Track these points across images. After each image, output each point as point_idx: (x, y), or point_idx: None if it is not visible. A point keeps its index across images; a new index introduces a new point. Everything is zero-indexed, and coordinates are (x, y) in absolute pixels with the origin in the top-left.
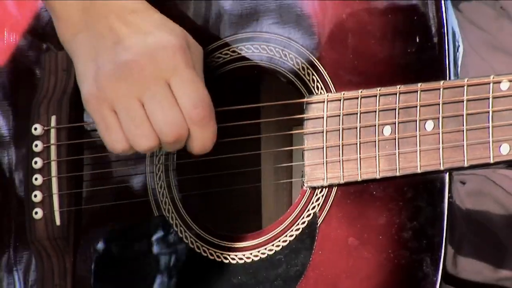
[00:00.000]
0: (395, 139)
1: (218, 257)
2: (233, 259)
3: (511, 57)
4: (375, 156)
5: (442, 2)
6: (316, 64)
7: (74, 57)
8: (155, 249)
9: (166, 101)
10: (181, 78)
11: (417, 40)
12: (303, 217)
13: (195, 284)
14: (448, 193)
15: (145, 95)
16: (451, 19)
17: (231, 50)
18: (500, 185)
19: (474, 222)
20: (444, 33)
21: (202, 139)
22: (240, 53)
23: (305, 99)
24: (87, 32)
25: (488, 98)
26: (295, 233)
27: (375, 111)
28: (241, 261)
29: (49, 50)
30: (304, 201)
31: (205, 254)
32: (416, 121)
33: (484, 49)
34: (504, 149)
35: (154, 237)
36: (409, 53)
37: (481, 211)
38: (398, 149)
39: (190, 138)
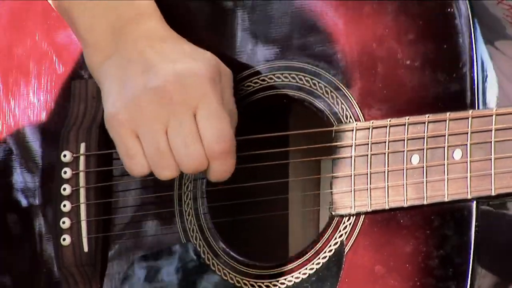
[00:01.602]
0: (423, 167)
1: (245, 284)
2: (259, 286)
3: None
4: (403, 185)
5: (472, 32)
6: (345, 93)
7: (101, 83)
8: (182, 276)
9: (189, 133)
10: (207, 110)
11: (446, 69)
12: (330, 245)
13: None
14: (475, 222)
15: (170, 122)
16: (481, 49)
17: (260, 79)
18: None
19: (503, 248)
20: (474, 62)
21: (220, 171)
22: (269, 82)
23: (334, 128)
24: (115, 57)
25: None
26: (322, 261)
27: (404, 140)
28: None
29: (79, 77)
30: (332, 229)
31: (232, 282)
32: (444, 150)
33: None
34: None
35: (181, 264)
36: (438, 82)
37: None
38: (426, 177)
39: (208, 169)
